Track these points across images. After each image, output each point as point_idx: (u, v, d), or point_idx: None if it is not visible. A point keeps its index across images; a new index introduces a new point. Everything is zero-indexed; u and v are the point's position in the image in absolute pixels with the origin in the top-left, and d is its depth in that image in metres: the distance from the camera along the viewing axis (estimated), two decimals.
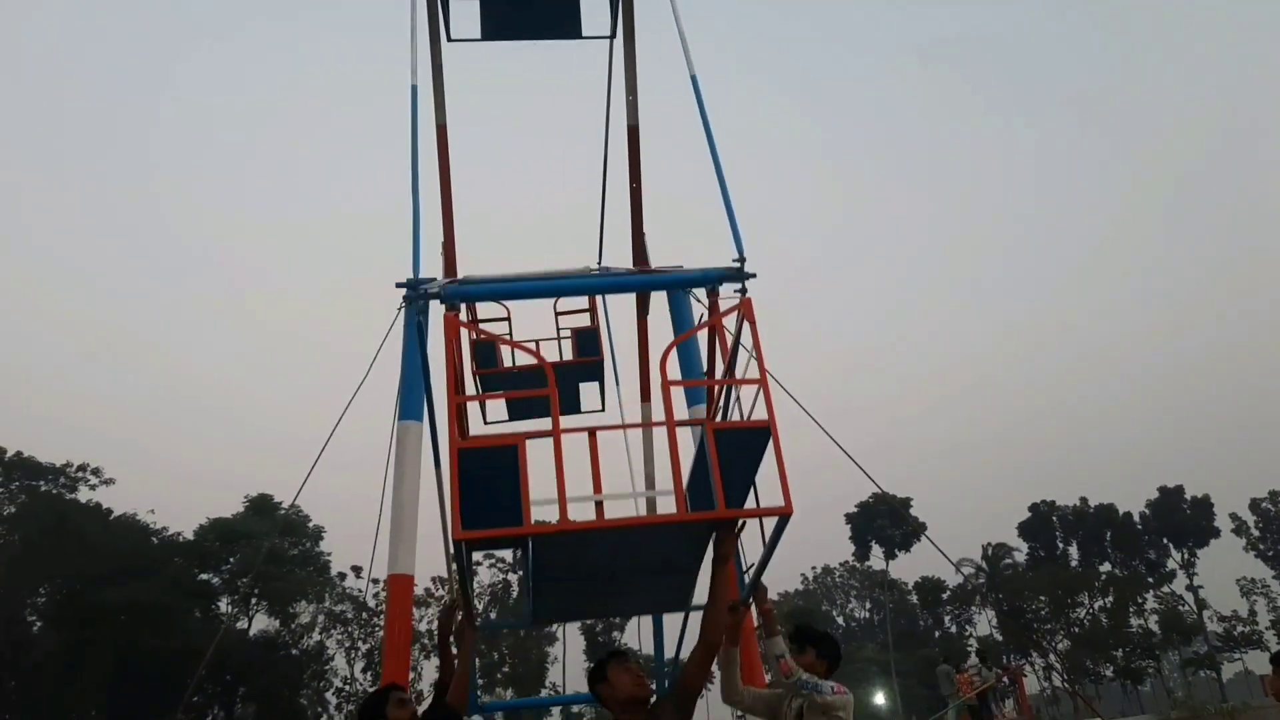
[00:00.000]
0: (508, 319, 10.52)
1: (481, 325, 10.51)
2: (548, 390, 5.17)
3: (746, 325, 5.73)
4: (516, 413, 10.99)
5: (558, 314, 10.87)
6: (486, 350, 10.43)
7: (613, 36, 9.86)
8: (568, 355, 10.82)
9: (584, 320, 10.91)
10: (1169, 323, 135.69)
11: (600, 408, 11.31)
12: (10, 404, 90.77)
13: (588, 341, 10.81)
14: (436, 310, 9.37)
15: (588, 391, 11.31)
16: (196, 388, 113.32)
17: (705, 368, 8.31)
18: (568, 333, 10.85)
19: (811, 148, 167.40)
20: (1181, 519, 68.85)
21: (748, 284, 6.17)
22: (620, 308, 11.66)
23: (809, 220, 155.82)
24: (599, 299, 11.04)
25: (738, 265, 6.21)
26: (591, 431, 6.00)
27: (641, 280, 9.13)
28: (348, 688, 63.57)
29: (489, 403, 10.96)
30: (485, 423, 10.90)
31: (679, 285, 7.98)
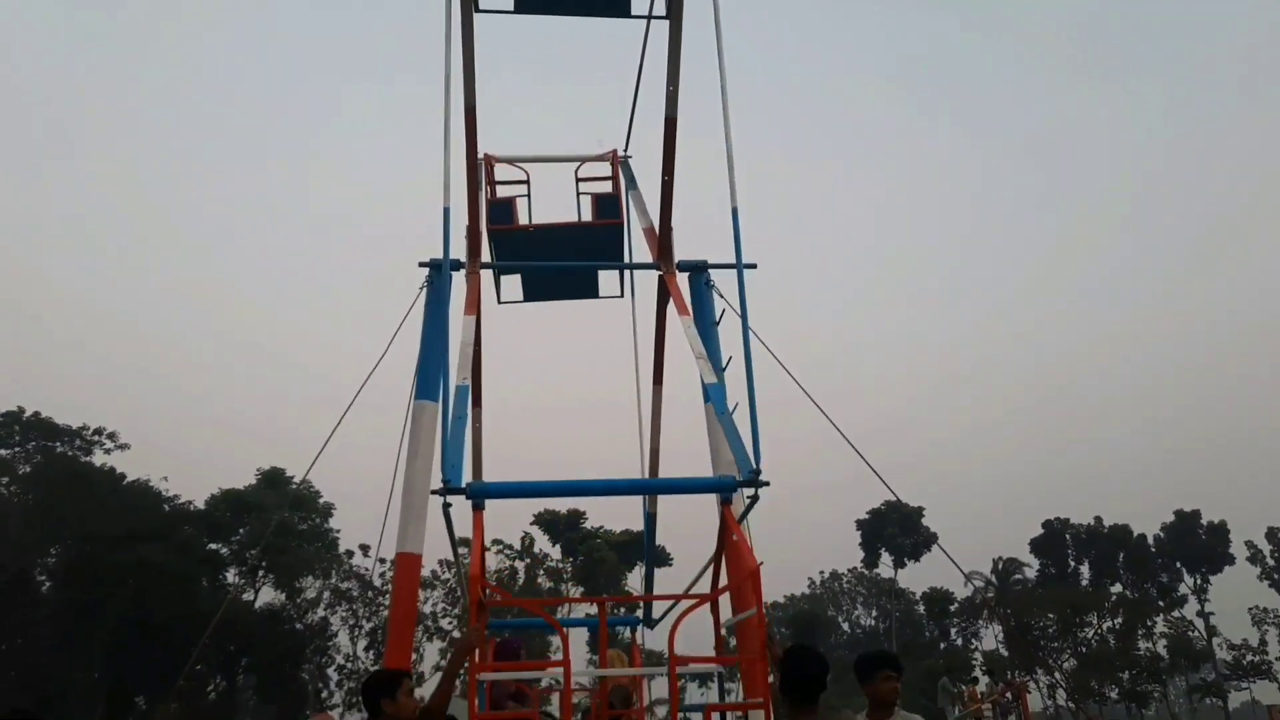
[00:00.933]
0: (526, 181, 10.24)
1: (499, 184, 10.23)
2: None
3: None
4: (532, 292, 10.81)
5: (579, 180, 10.37)
6: (503, 210, 10.14)
7: (669, 17, 8.67)
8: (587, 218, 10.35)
9: (606, 187, 10.49)
10: (1204, 347, 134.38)
11: (619, 293, 11.02)
12: (30, 365, 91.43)
13: (608, 206, 10.40)
14: (458, 291, 9.32)
15: (607, 282, 11.00)
16: (214, 356, 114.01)
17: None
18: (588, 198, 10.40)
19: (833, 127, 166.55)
20: (1196, 544, 68.21)
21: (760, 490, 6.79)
22: (646, 171, 11.29)
23: (842, 230, 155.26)
24: (619, 165, 10.71)
25: (753, 475, 6.56)
26: None
27: (658, 485, 9.74)
28: (349, 665, 63.80)
29: (504, 282, 10.67)
30: (499, 301, 10.65)
31: (692, 490, 7.92)
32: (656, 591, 11.73)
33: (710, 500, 8.21)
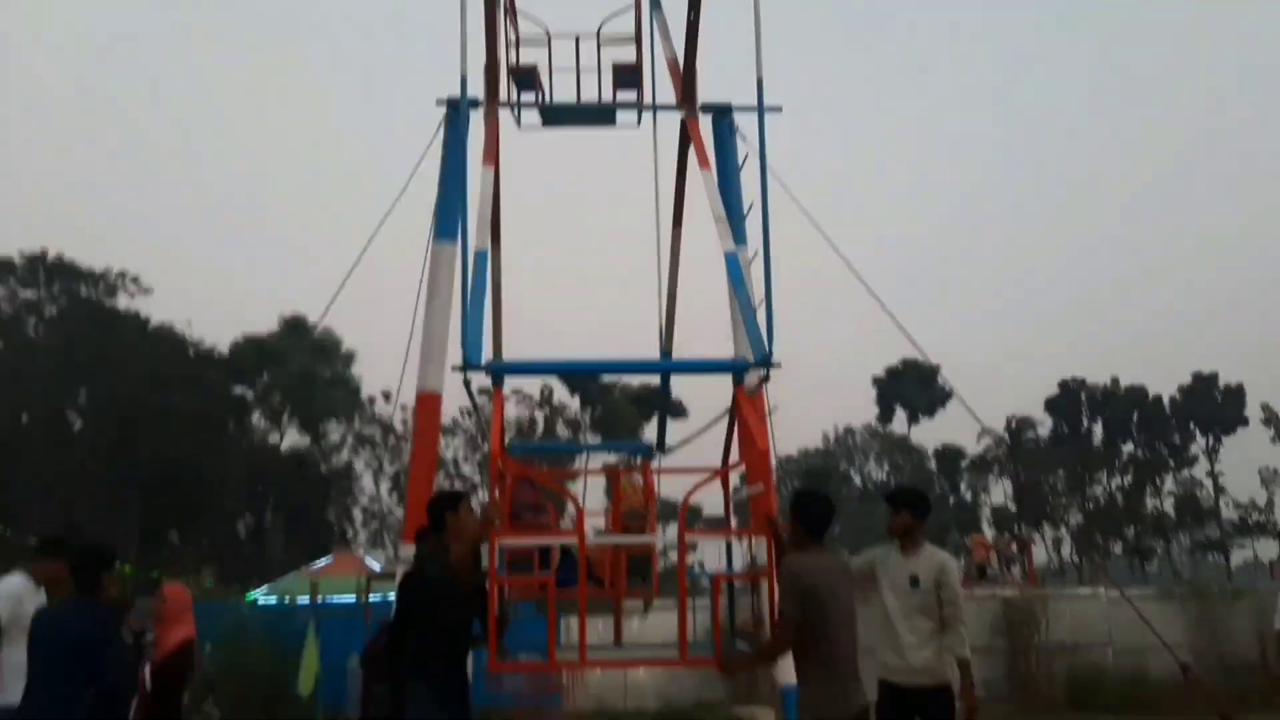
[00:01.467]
0: (548, 44, 10.13)
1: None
2: None
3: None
4: (550, 119, 10.89)
5: (600, 40, 10.30)
6: (525, 79, 10.16)
7: None
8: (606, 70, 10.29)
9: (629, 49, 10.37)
10: (1235, 204, 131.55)
11: (636, 123, 10.99)
12: (51, 208, 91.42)
13: (629, 79, 10.47)
14: (476, 130, 9.21)
15: (624, 121, 11.06)
16: (233, 201, 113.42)
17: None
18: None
19: None
20: (1211, 406, 68.56)
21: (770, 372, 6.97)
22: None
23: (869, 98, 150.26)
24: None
25: (765, 359, 6.79)
26: None
27: (672, 366, 9.63)
28: (374, 507, 66.00)
29: (522, 116, 10.66)
30: (519, 126, 10.66)
31: (705, 371, 7.91)
32: (671, 441, 11.93)
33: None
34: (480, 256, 7.31)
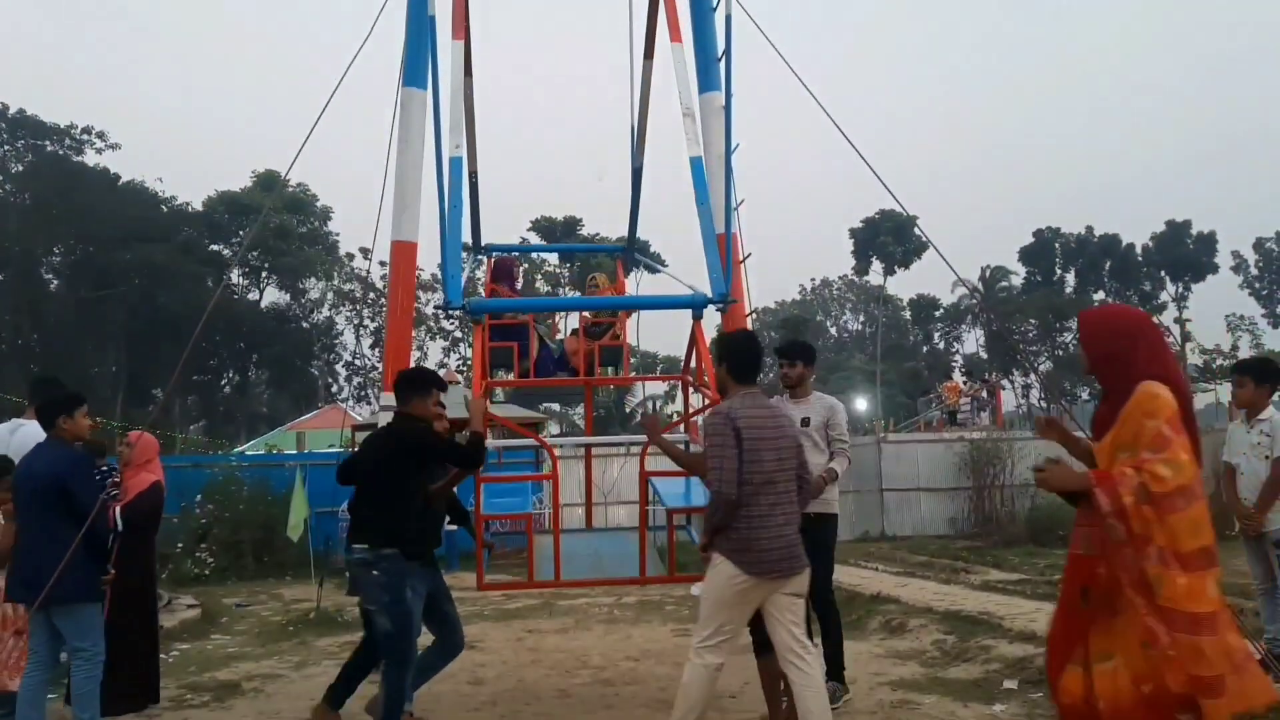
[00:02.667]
0: None
1: None
2: None
3: None
4: None
5: None
6: None
7: None
8: None
9: None
10: (1209, 59, 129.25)
11: None
12: (11, 62, 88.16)
13: None
14: None
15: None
16: (199, 51, 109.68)
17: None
18: None
19: None
20: (1184, 253, 69.04)
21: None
22: None
23: None
24: None
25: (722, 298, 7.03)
26: None
27: (632, 302, 9.72)
28: (356, 361, 66.47)
29: None
30: None
31: (665, 308, 7.85)
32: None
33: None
34: (455, 164, 7.34)
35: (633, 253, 12.55)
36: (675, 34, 8.68)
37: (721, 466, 4.72)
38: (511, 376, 9.10)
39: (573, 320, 10.35)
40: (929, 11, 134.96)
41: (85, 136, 55.05)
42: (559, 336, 10.86)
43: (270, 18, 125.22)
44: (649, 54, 10.77)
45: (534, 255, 63.68)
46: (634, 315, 9.92)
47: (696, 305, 7.34)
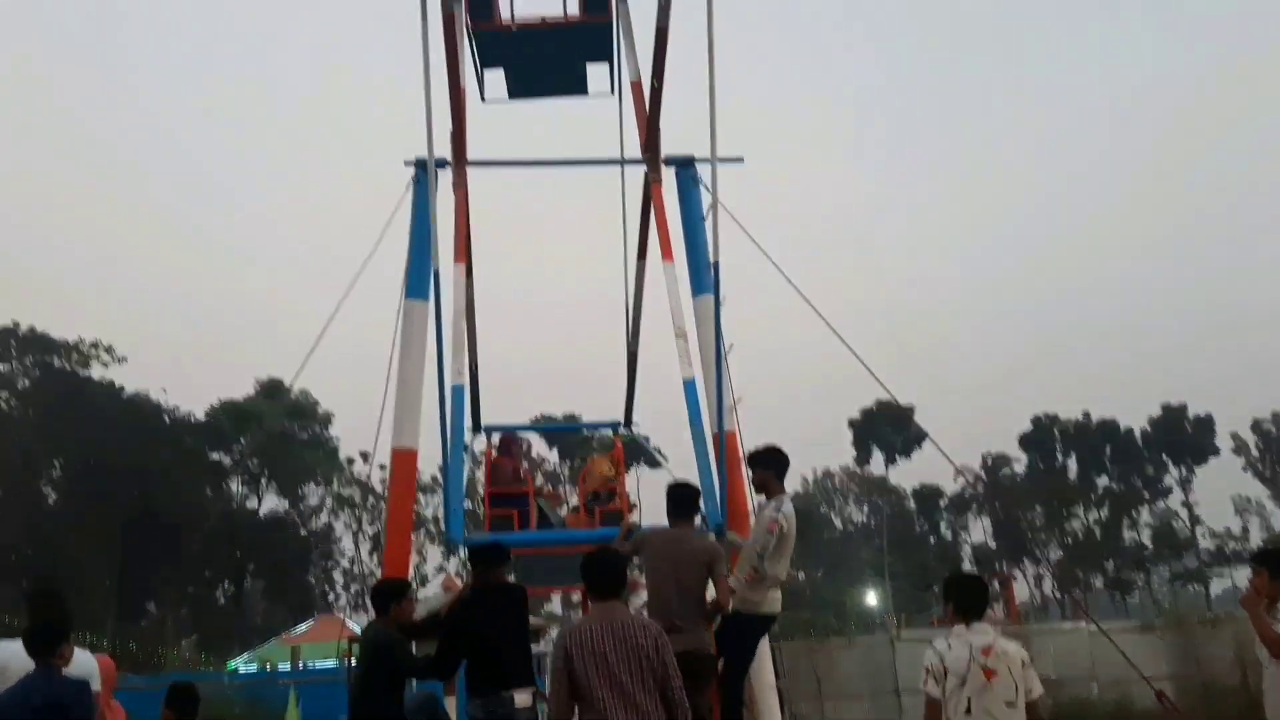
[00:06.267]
0: None
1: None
2: None
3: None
4: (517, 88, 10.65)
5: None
6: (482, 2, 9.67)
7: None
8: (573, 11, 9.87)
9: None
10: (1187, 237, 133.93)
11: (610, 90, 10.83)
12: (25, 278, 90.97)
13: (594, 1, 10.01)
14: (445, 191, 9.40)
15: (596, 78, 10.90)
16: (207, 269, 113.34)
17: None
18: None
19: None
20: (1183, 437, 69.20)
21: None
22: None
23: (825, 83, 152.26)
24: None
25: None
26: None
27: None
28: (355, 568, 65.27)
29: (487, 79, 10.55)
30: (483, 99, 10.52)
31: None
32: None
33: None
34: (457, 392, 7.60)
35: (630, 428, 12.92)
36: (667, 252, 8.97)
37: (557, 695, 4.67)
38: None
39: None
40: (925, 201, 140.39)
41: (93, 351, 56.10)
42: (561, 510, 10.78)
43: (272, 225, 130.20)
44: (642, 254, 11.16)
45: (534, 455, 63.81)
46: (635, 478, 10.05)
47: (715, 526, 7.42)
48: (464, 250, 8.98)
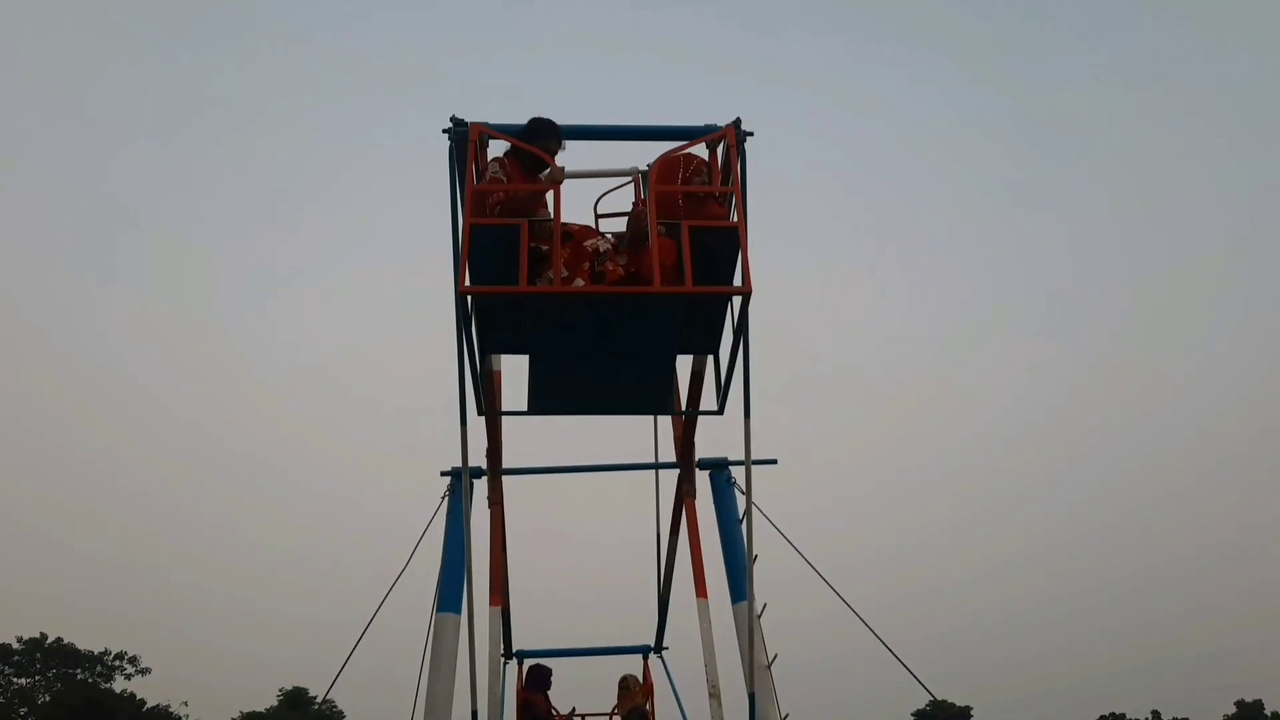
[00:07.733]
0: None
1: None
2: None
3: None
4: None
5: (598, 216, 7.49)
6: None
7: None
8: None
9: None
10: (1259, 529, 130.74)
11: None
12: (51, 588, 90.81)
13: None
14: (480, 502, 9.44)
15: None
16: (231, 575, 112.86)
17: None
18: None
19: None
20: None
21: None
22: None
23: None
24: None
25: None
26: None
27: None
28: None
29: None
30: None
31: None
32: None
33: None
34: None
35: (660, 649, 12.55)
36: (701, 589, 8.65)
37: None
38: None
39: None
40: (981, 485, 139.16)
41: (117, 663, 55.37)
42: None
43: (299, 535, 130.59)
44: (674, 530, 11.02)
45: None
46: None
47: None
48: (500, 582, 8.71)
